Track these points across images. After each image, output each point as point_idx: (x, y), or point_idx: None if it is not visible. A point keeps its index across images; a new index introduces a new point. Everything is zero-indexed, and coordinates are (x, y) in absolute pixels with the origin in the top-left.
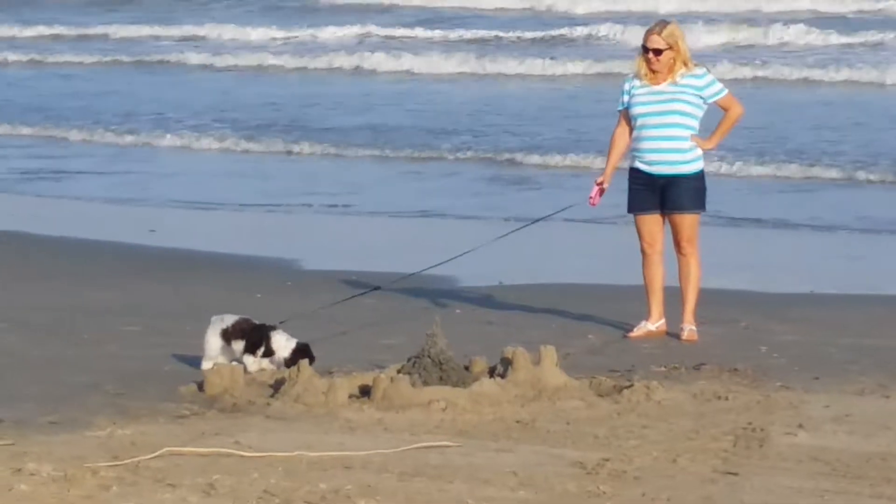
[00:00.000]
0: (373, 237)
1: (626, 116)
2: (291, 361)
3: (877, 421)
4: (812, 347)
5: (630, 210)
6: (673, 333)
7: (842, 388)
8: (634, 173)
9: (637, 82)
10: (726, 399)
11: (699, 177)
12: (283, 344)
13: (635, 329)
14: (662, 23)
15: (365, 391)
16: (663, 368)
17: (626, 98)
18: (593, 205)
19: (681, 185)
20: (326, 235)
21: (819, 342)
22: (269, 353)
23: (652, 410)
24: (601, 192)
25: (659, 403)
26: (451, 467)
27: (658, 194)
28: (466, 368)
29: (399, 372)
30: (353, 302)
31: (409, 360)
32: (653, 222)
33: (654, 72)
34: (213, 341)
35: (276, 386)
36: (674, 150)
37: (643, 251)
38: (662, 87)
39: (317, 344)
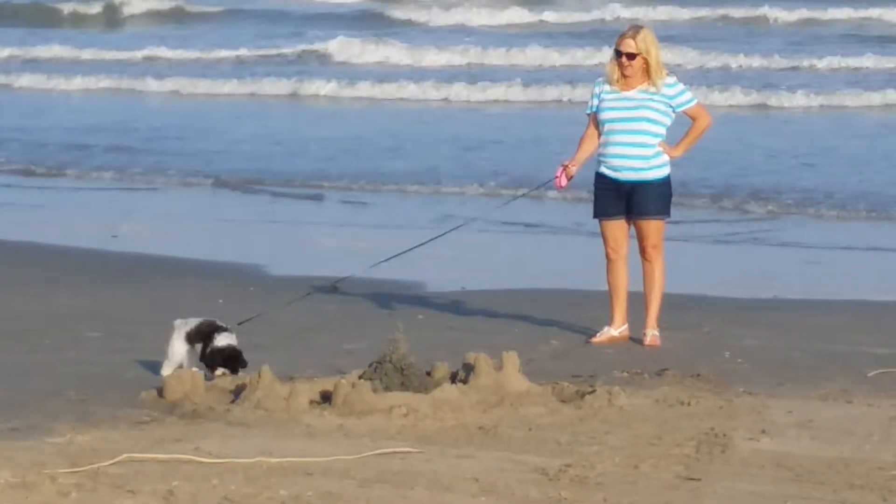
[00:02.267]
0: (339, 243)
1: (595, 120)
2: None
3: (840, 426)
4: (775, 353)
5: (595, 215)
6: (636, 339)
7: (805, 394)
8: (600, 179)
9: (607, 87)
10: (689, 405)
11: (665, 183)
12: (222, 345)
13: (598, 334)
14: (636, 27)
15: (326, 397)
16: (626, 374)
17: (595, 102)
18: (560, 186)
19: (646, 191)
20: (293, 241)
21: (782, 347)
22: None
23: (614, 416)
24: (568, 176)
25: (621, 409)
26: (413, 473)
27: (624, 200)
28: (428, 374)
29: (360, 377)
30: (315, 307)
31: (370, 365)
32: (618, 228)
33: (625, 76)
34: (178, 345)
35: (237, 392)
36: (640, 156)
37: (608, 256)
38: (632, 93)
39: (278, 348)
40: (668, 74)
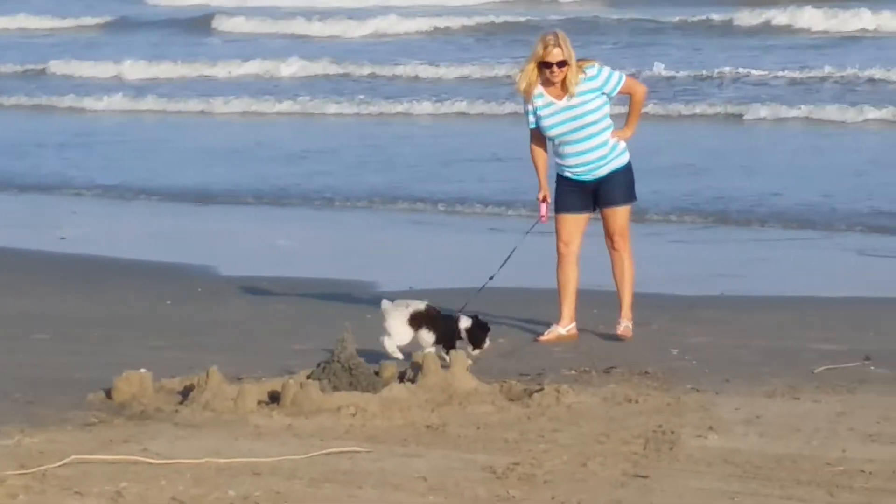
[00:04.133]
0: (293, 243)
1: (539, 134)
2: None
3: (787, 422)
4: (723, 350)
5: (557, 210)
6: (598, 333)
7: (752, 390)
8: (565, 180)
9: (539, 102)
10: (636, 402)
11: (628, 169)
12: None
13: (546, 332)
14: (554, 33)
15: (274, 397)
16: (574, 372)
17: (532, 119)
18: (545, 221)
19: (613, 182)
20: (243, 241)
21: (730, 344)
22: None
23: (562, 414)
24: (547, 205)
25: (569, 407)
26: (361, 473)
27: (590, 195)
28: (376, 373)
29: (309, 377)
30: (264, 307)
31: (318, 365)
32: (575, 223)
33: (554, 84)
34: (403, 329)
35: (185, 393)
36: (599, 157)
37: (559, 252)
38: (565, 101)
39: (226, 349)
40: (587, 65)
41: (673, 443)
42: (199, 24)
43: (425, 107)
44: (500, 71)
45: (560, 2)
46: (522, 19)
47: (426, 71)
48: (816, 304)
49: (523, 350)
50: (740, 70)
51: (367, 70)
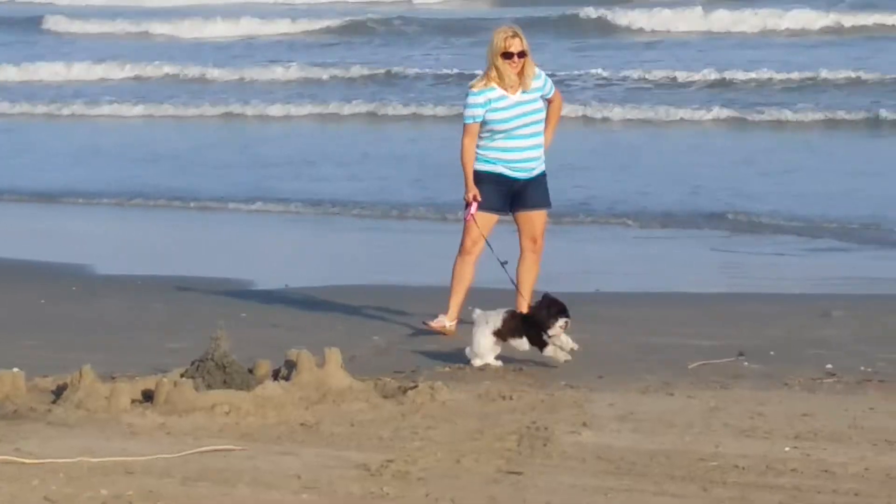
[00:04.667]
0: (173, 242)
1: (476, 129)
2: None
3: (661, 418)
4: (597, 346)
5: (478, 208)
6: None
7: (626, 386)
8: (491, 176)
9: (493, 94)
10: (511, 399)
11: (546, 174)
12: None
13: (434, 320)
14: (511, 26)
15: (148, 396)
16: (448, 369)
17: (481, 111)
18: (474, 221)
19: (538, 185)
20: (119, 240)
21: (604, 341)
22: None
23: (436, 411)
24: (478, 204)
25: (443, 404)
26: (235, 471)
27: (509, 197)
28: (251, 371)
29: (182, 376)
30: (139, 306)
31: (192, 363)
32: (490, 222)
33: (516, 76)
34: (486, 341)
35: (58, 392)
36: (536, 157)
37: (464, 248)
38: (518, 95)
39: (100, 347)
40: (534, 66)
41: (547, 439)
42: (30, 24)
43: (277, 109)
44: (358, 72)
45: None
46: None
47: (275, 73)
48: (690, 300)
49: (398, 347)
50: (595, 71)
51: (197, 71)
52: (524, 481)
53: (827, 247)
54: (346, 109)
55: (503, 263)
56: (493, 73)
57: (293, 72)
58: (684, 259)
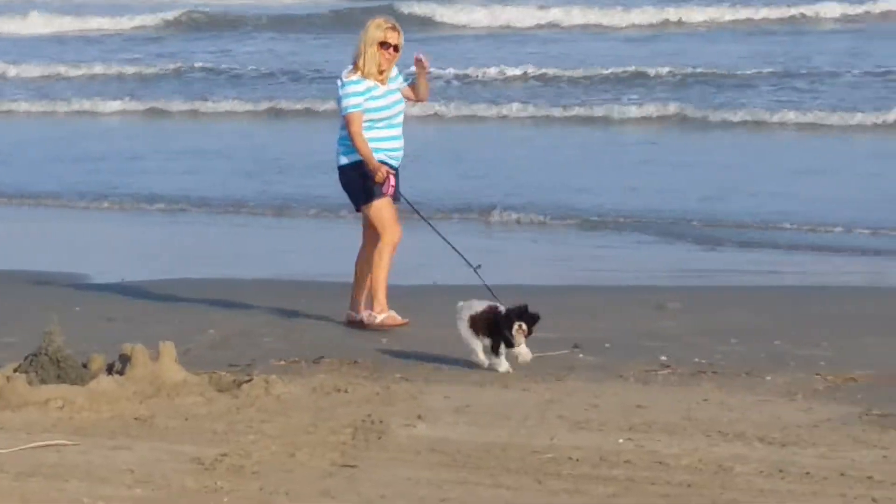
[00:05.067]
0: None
1: (361, 116)
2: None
3: (496, 411)
4: (433, 339)
5: (379, 195)
6: (320, 323)
7: (462, 379)
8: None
9: (370, 83)
10: (346, 392)
11: None
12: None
13: (378, 318)
14: (389, 17)
15: None
16: (283, 363)
17: (361, 100)
18: (392, 193)
19: (399, 175)
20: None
21: (440, 334)
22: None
23: (271, 405)
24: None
25: (278, 398)
26: (68, 466)
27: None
28: (85, 366)
29: (16, 371)
30: None
31: (26, 358)
32: (392, 203)
33: (386, 68)
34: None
35: None
36: (402, 146)
37: (390, 237)
38: (388, 85)
39: None
40: None
41: (381, 432)
42: None
43: (113, 105)
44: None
45: None
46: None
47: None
48: (524, 293)
49: (234, 340)
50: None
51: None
52: (359, 474)
53: (653, 240)
54: (174, 106)
55: (476, 268)
56: (364, 63)
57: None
58: (518, 253)
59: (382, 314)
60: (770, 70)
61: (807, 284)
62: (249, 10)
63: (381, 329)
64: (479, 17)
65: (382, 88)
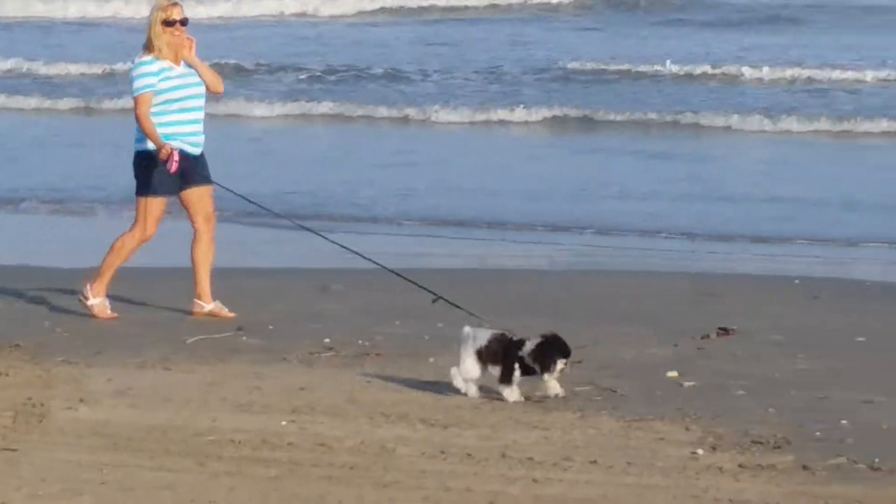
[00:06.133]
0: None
1: (150, 98)
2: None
3: (158, 393)
4: (95, 322)
5: (150, 192)
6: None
7: (124, 362)
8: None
9: (164, 63)
10: (7, 375)
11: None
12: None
13: (206, 307)
14: None
15: None
16: None
17: (154, 80)
18: (176, 170)
19: (204, 161)
20: None
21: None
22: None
23: None
24: (175, 158)
25: None
26: None
27: (178, 178)
28: None
29: None
30: None
31: None
32: (163, 206)
33: (179, 45)
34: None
35: None
36: (202, 131)
37: (142, 234)
38: (181, 68)
39: None
40: None
41: (43, 415)
42: None
43: None
44: None
45: None
46: None
47: None
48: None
49: None
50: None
51: None
52: (18, 458)
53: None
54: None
55: (434, 300)
56: (155, 45)
57: None
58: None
59: (98, 299)
60: None
61: (470, 267)
62: None
63: (89, 313)
64: None
65: (178, 69)
